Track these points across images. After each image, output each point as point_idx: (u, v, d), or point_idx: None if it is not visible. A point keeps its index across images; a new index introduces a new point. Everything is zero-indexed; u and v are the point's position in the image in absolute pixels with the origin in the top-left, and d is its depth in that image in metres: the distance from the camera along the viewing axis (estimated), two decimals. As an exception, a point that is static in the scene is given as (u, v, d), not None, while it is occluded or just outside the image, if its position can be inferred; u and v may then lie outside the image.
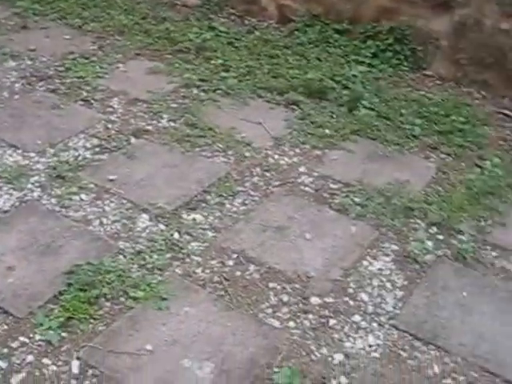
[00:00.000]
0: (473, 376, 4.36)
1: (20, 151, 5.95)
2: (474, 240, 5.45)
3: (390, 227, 5.50)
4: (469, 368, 4.42)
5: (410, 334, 4.63)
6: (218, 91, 7.06)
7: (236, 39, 8.31)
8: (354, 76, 7.04)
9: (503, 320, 4.78)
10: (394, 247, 5.33)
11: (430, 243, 5.39)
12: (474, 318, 4.79)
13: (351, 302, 4.81)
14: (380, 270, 5.13)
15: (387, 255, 5.26)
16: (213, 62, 7.61)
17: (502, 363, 4.46)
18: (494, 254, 5.37)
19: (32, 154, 5.93)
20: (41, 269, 4.80)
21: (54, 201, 5.43)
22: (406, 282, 5.05)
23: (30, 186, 5.56)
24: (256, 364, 4.29)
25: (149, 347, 4.34)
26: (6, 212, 5.29)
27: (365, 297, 4.87)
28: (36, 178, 5.65)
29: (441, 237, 5.48)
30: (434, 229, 5.55)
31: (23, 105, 6.61)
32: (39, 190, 5.54)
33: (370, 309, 4.78)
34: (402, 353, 4.48)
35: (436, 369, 4.41)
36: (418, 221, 5.60)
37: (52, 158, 5.86)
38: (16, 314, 4.43)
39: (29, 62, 7.33)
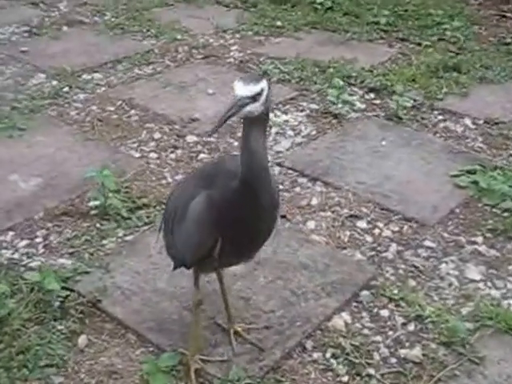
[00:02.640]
0: (362, 211, 3.43)
1: None
2: (419, 105, 4.49)
3: (315, 91, 4.62)
4: (360, 204, 3.47)
5: (296, 171, 3.75)
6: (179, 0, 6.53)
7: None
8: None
9: (424, 169, 3.78)
10: (314, 106, 4.43)
11: (361, 105, 4.47)
12: (386, 163, 3.83)
13: (235, 143, 3.96)
14: (286, 121, 4.26)
15: (301, 111, 4.38)
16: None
17: (404, 202, 3.49)
18: (440, 117, 4.38)
19: (-46, 36, 5.59)
20: None
21: (-45, 67, 5.02)
22: (314, 132, 4.15)
23: None
24: (90, 181, 3.51)
25: None
26: None
27: (255, 139, 4.03)
28: None
29: (377, 101, 4.54)
30: (372, 95, 4.62)
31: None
32: None
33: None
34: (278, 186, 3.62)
35: (314, 201, 3.50)
36: (355, 88, 4.70)
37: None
38: None
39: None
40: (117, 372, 2.51)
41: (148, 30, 5.68)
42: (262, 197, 2.11)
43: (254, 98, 1.99)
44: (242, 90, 1.98)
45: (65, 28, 5.75)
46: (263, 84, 2.01)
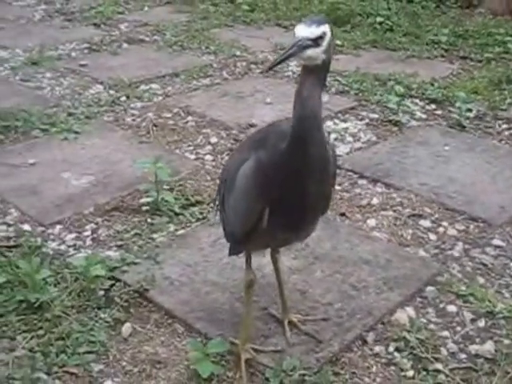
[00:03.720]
0: (425, 210, 3.18)
1: (9, 50, 5.62)
2: (482, 114, 4.26)
3: (375, 102, 4.44)
4: (423, 204, 3.24)
5: (355, 173, 3.55)
6: (238, 20, 6.46)
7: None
8: (389, 9, 6.17)
9: (489, 173, 3.54)
10: (373, 116, 4.25)
11: (422, 115, 4.27)
12: (449, 166, 3.60)
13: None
14: (345, 128, 4.07)
15: (361, 119, 4.20)
16: (240, 4, 7.03)
17: (470, 203, 3.24)
18: (505, 126, 4.14)
19: (18, 51, 5.58)
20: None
21: (17, 77, 4.98)
22: (374, 138, 3.96)
23: (1, 68, 5.18)
24: (143, 179, 3.38)
25: (31, 161, 3.66)
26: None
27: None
28: (11, 64, 5.26)
29: (438, 111, 4.34)
30: (433, 105, 4.42)
31: (34, 27, 6.40)
32: (8, 70, 5.13)
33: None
34: (336, 187, 3.37)
35: (375, 201, 3.28)
36: (416, 100, 4.49)
37: (35, 55, 5.45)
38: None
39: (58, 6, 7.21)
40: (161, 361, 2.32)
41: (207, 48, 5.63)
42: (312, 151, 1.89)
43: (316, 42, 1.81)
44: (303, 31, 1.81)
45: (125, 45, 5.76)
46: (325, 28, 1.83)
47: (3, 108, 4.28)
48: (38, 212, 3.21)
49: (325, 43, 1.82)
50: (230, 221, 2.20)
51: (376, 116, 4.25)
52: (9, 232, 3.06)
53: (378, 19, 6.03)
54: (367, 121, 4.20)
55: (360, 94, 4.58)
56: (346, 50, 5.49)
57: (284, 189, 1.95)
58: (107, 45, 5.71)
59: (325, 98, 4.45)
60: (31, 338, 2.40)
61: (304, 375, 2.20)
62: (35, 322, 2.46)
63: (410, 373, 2.24)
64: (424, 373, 2.24)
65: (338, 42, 5.61)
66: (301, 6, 6.67)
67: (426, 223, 3.10)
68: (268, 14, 6.58)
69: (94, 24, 6.38)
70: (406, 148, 3.82)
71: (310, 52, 1.81)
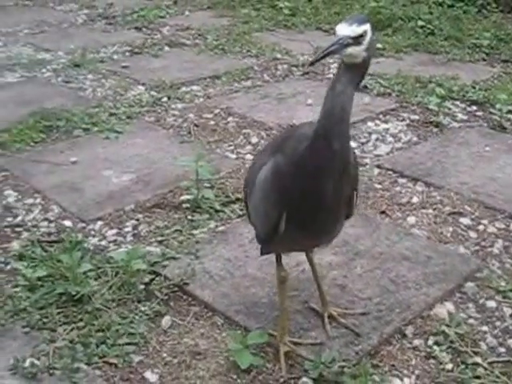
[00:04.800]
0: (465, 209, 3.20)
1: (52, 52, 5.81)
2: (525, 117, 4.29)
3: (416, 103, 4.48)
4: (463, 202, 3.26)
5: (395, 172, 3.58)
6: (279, 24, 6.55)
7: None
8: (430, 13, 6.18)
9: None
10: (414, 117, 4.28)
11: (463, 116, 4.29)
12: (490, 166, 3.62)
13: (333, 146, 3.84)
14: (386, 129, 4.11)
15: (402, 120, 4.24)
16: (281, 8, 7.09)
17: (510, 201, 3.26)
18: (550, 129, 4.16)
19: (60, 53, 5.76)
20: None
21: (60, 79, 5.14)
22: (415, 139, 3.99)
23: (44, 70, 5.35)
24: (184, 177, 3.48)
25: (73, 159, 3.78)
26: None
27: (352, 144, 3.86)
28: (54, 66, 5.43)
29: (479, 113, 4.36)
30: (474, 107, 4.44)
31: (77, 30, 6.60)
32: (51, 72, 5.29)
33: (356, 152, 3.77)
34: (376, 186, 3.44)
35: (415, 199, 3.31)
36: (457, 102, 4.51)
37: (77, 57, 5.61)
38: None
39: (100, 11, 7.41)
40: (201, 353, 2.38)
41: (248, 51, 5.73)
42: (336, 147, 1.90)
43: (357, 41, 1.85)
44: (345, 29, 1.85)
45: (166, 48, 5.90)
46: (366, 27, 1.88)
47: (46, 108, 4.43)
48: (79, 208, 3.31)
49: (366, 42, 1.86)
50: (253, 223, 2.30)
51: (417, 117, 4.28)
52: (50, 228, 3.16)
53: (420, 23, 6.06)
54: (408, 122, 4.23)
55: (401, 96, 4.62)
56: (388, 54, 5.54)
57: (302, 193, 1.98)
58: (149, 48, 5.85)
59: (366, 99, 4.53)
60: (71, 330, 2.47)
61: (343, 367, 2.24)
62: (75, 314, 2.54)
63: (449, 366, 2.27)
64: (463, 366, 2.27)
65: (380, 46, 5.64)
66: (342, 10, 6.73)
67: (465, 221, 3.12)
68: (309, 19, 6.66)
69: (136, 28, 6.54)
70: (446, 148, 3.84)
71: (350, 50, 1.85)
